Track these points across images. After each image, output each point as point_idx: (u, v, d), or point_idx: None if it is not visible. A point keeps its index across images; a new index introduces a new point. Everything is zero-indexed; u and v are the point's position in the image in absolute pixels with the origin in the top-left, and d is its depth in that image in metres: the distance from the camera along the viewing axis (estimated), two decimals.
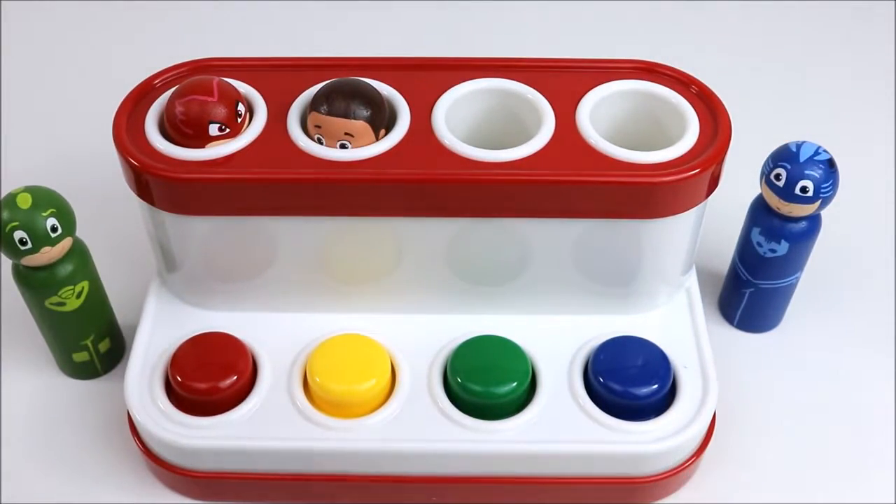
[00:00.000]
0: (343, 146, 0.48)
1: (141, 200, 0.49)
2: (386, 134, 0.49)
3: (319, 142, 0.48)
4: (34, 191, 0.48)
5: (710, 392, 0.50)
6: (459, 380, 0.49)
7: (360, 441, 0.49)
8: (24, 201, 0.48)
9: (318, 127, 0.48)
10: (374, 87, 0.49)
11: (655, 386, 0.49)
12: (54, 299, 0.51)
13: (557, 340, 0.52)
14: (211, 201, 0.48)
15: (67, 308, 0.52)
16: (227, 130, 0.48)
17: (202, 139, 0.48)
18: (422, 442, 0.49)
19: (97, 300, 0.54)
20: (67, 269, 0.51)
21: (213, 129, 0.48)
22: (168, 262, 0.53)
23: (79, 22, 0.81)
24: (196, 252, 0.51)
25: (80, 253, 0.52)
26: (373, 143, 0.48)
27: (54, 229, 0.48)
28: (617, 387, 0.49)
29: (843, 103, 0.74)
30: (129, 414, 0.51)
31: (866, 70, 0.77)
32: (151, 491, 0.52)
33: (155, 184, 0.47)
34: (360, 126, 0.48)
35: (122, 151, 0.48)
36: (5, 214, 0.48)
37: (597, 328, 0.52)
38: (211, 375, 0.49)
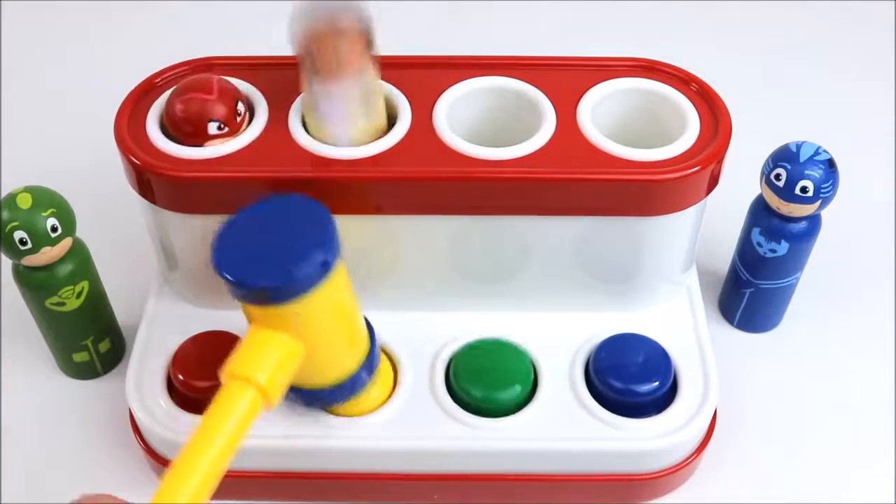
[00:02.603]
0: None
1: (142, 199, 0.49)
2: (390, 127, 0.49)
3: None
4: (34, 191, 0.48)
5: (711, 389, 0.50)
6: (461, 385, 0.49)
7: (361, 439, 0.49)
8: (24, 201, 0.48)
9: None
10: None
11: (656, 383, 0.49)
12: (54, 299, 0.51)
13: (558, 338, 0.52)
14: (213, 200, 0.48)
15: (67, 308, 0.52)
16: (226, 129, 0.48)
17: (201, 137, 0.48)
18: (423, 440, 0.49)
19: (97, 300, 0.54)
20: (67, 269, 0.51)
21: (212, 128, 0.48)
22: (169, 260, 0.53)
23: (79, 21, 0.81)
24: (197, 251, 0.51)
25: (80, 253, 0.52)
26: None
27: (54, 229, 0.48)
28: (618, 384, 0.49)
29: (843, 103, 0.74)
30: (130, 412, 0.51)
31: (866, 70, 0.77)
32: (152, 490, 0.52)
33: (157, 182, 0.47)
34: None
35: (124, 150, 0.48)
36: (5, 214, 0.48)
37: (597, 325, 0.52)
38: (213, 374, 0.49)
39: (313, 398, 0.47)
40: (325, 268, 0.42)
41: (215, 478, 0.39)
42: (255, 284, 0.41)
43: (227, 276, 0.41)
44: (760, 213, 0.54)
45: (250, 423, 0.41)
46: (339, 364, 0.46)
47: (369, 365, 0.47)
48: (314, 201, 0.44)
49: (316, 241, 0.42)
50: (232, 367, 0.42)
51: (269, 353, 0.42)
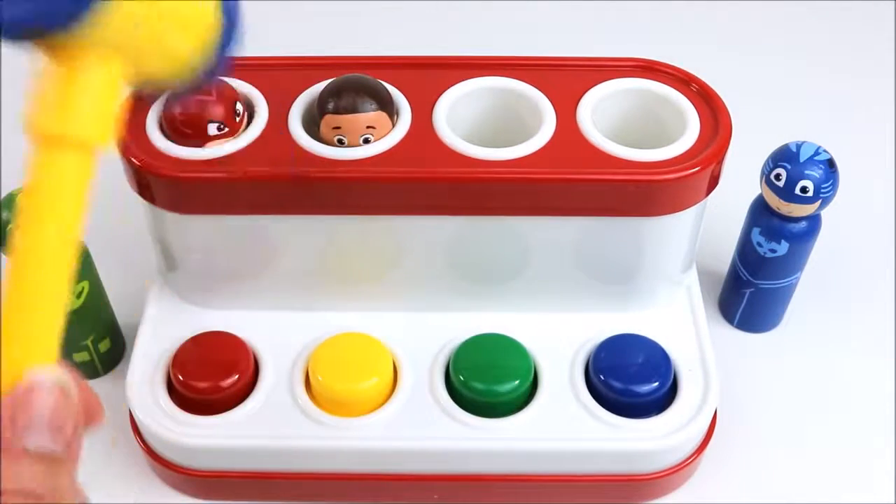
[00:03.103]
0: (367, 140, 0.48)
1: (142, 199, 0.49)
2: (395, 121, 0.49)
3: (341, 143, 0.48)
4: None
5: (711, 389, 0.50)
6: (462, 378, 0.49)
7: (362, 439, 0.49)
8: None
9: (338, 128, 0.48)
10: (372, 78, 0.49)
11: (656, 384, 0.49)
12: None
13: (558, 338, 0.52)
14: (212, 200, 0.48)
15: (67, 308, 0.52)
16: (226, 129, 0.48)
17: (201, 138, 0.48)
18: (424, 440, 0.49)
19: (97, 300, 0.54)
20: None
21: (212, 129, 0.48)
22: (169, 261, 0.53)
23: None
24: (197, 251, 0.51)
25: (80, 253, 0.51)
26: (390, 130, 0.48)
27: None
28: (618, 384, 0.49)
29: (843, 103, 0.74)
30: (130, 413, 0.51)
31: (866, 70, 0.77)
32: (153, 490, 0.52)
33: (156, 183, 0.47)
34: (379, 116, 0.48)
35: (124, 150, 0.48)
36: (5, 214, 0.48)
37: (598, 326, 0.52)
38: (213, 374, 0.49)
39: (198, 81, 0.35)
40: None
41: (65, 270, 0.31)
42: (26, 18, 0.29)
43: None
44: (760, 213, 0.54)
45: (84, 190, 0.31)
46: (189, 34, 0.34)
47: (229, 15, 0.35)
48: None
49: None
50: (39, 126, 0.32)
51: (76, 89, 0.31)
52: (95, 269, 0.53)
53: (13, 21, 0.29)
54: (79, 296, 0.52)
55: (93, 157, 0.31)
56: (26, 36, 0.31)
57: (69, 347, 0.54)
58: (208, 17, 0.34)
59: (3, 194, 0.49)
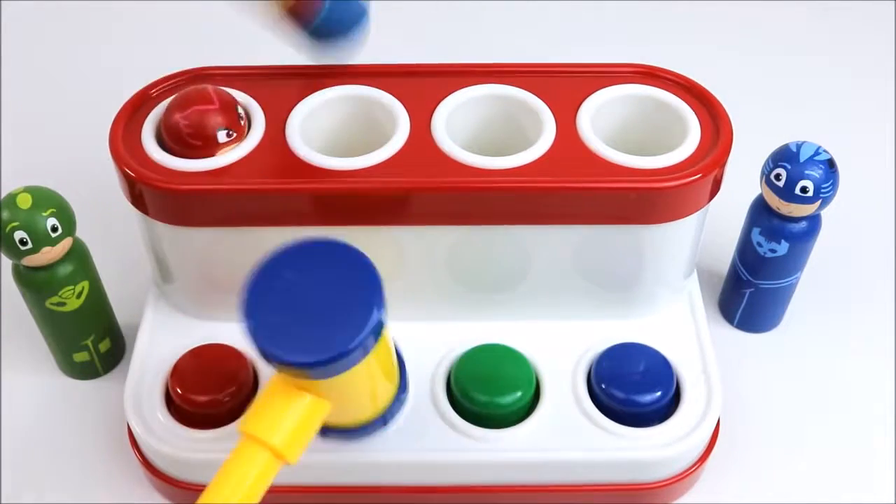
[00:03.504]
0: None
1: (137, 211, 0.49)
2: None
3: None
4: (34, 191, 0.48)
5: (713, 397, 0.50)
6: (463, 390, 0.49)
7: (362, 451, 0.48)
8: (24, 201, 0.48)
9: None
10: None
11: (658, 393, 0.49)
12: (54, 299, 0.51)
13: (560, 346, 0.51)
14: (208, 212, 0.47)
15: (67, 308, 0.52)
16: (235, 135, 0.48)
17: (212, 147, 0.47)
18: (425, 451, 0.48)
19: (97, 300, 0.54)
20: (67, 269, 0.51)
21: (222, 136, 0.47)
22: (164, 273, 0.52)
23: (80, 21, 0.81)
24: (193, 263, 0.51)
25: (80, 253, 0.51)
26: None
27: (54, 229, 0.48)
28: (620, 395, 0.49)
29: (843, 103, 0.74)
30: (128, 426, 0.51)
31: (866, 70, 0.77)
32: (152, 491, 0.52)
33: (151, 195, 0.47)
34: None
35: (119, 162, 0.47)
36: (5, 214, 0.47)
37: (599, 333, 0.52)
38: (211, 387, 0.49)
39: (341, 436, 0.46)
40: (376, 336, 0.38)
41: None
42: (298, 362, 0.37)
43: (264, 348, 0.37)
44: (760, 213, 0.54)
45: (266, 481, 0.39)
46: (370, 408, 0.45)
47: (399, 397, 0.46)
48: (353, 248, 0.39)
49: (365, 304, 0.37)
50: (246, 425, 0.40)
51: (289, 414, 0.39)
52: (95, 269, 0.53)
53: (303, 364, 0.37)
54: (79, 296, 0.52)
55: (277, 464, 0.40)
56: (294, 374, 0.39)
57: (69, 347, 0.54)
58: (395, 384, 0.46)
59: (4, 194, 0.49)
